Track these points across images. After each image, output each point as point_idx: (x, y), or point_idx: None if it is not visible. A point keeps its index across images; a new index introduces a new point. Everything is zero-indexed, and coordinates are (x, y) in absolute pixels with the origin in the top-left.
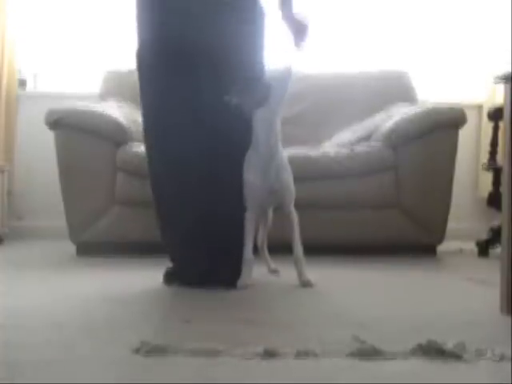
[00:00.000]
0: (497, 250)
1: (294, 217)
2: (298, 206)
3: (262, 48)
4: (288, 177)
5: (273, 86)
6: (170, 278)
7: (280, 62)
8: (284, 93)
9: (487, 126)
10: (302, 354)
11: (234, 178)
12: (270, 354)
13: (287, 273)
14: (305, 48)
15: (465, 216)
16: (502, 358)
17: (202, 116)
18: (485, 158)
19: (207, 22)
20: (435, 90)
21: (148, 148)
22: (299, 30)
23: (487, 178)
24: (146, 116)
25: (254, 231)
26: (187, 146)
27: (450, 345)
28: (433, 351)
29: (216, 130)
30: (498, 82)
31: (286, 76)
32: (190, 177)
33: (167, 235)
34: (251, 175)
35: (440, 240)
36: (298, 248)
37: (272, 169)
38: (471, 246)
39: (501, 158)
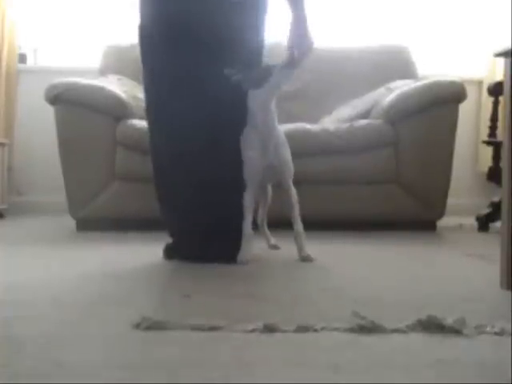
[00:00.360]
0: (497, 225)
1: (293, 192)
2: (297, 180)
3: (264, 26)
4: (286, 152)
5: (274, 72)
6: (170, 252)
7: (287, 56)
8: (284, 83)
9: (487, 102)
10: (301, 330)
11: (236, 147)
12: (269, 329)
13: (287, 248)
14: (298, 63)
15: (465, 191)
16: (501, 332)
17: (203, 87)
18: (485, 133)
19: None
20: (435, 65)
21: (150, 121)
22: (301, 45)
23: (487, 152)
24: (147, 89)
25: (252, 207)
26: (189, 116)
27: (449, 320)
28: (433, 326)
29: (218, 100)
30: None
31: (289, 70)
32: (191, 146)
33: (166, 208)
34: (250, 152)
35: (440, 215)
36: (298, 223)
37: (270, 145)
38: (471, 221)
39: (501, 133)
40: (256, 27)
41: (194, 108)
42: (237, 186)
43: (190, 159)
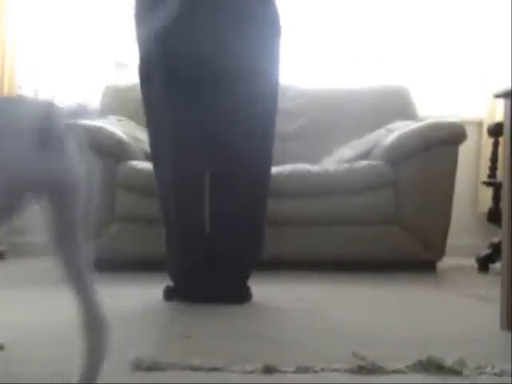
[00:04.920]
0: (496, 266)
1: None
2: (297, 222)
3: (277, 66)
4: None
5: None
6: (170, 294)
7: None
8: None
9: (487, 142)
10: (301, 371)
11: (243, 189)
12: (269, 371)
13: (286, 289)
14: None
15: (465, 232)
16: (501, 373)
17: (211, 131)
18: (485, 173)
19: (216, 35)
20: (435, 106)
21: (155, 163)
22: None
23: (487, 193)
24: (152, 130)
25: None
26: (195, 158)
27: (449, 361)
28: (433, 367)
29: (229, 148)
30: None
31: None
32: (197, 190)
33: (170, 247)
34: None
35: (440, 256)
36: None
37: None
38: (471, 262)
39: (501, 174)
40: (270, 69)
41: (199, 149)
42: (239, 230)
43: (197, 202)
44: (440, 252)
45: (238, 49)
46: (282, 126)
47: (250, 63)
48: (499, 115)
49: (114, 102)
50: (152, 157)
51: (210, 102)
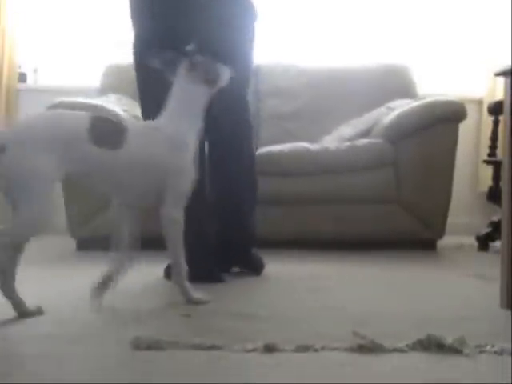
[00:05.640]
0: (496, 245)
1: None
2: (298, 201)
3: (252, 51)
4: None
5: None
6: (171, 272)
7: None
8: None
9: (487, 121)
10: (301, 349)
11: (237, 173)
12: (269, 349)
13: (287, 268)
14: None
15: (465, 211)
16: (501, 352)
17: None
18: (485, 152)
19: (207, 17)
20: (436, 85)
21: None
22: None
23: (487, 172)
24: (146, 115)
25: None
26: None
27: (449, 339)
28: (433, 346)
29: (218, 125)
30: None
31: None
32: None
33: None
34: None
35: (440, 235)
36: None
37: None
38: (471, 241)
39: (501, 153)
40: (245, 51)
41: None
42: (237, 209)
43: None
44: (440, 231)
45: (213, 34)
46: (283, 105)
47: (226, 48)
48: (499, 93)
49: (115, 82)
50: None
51: None
